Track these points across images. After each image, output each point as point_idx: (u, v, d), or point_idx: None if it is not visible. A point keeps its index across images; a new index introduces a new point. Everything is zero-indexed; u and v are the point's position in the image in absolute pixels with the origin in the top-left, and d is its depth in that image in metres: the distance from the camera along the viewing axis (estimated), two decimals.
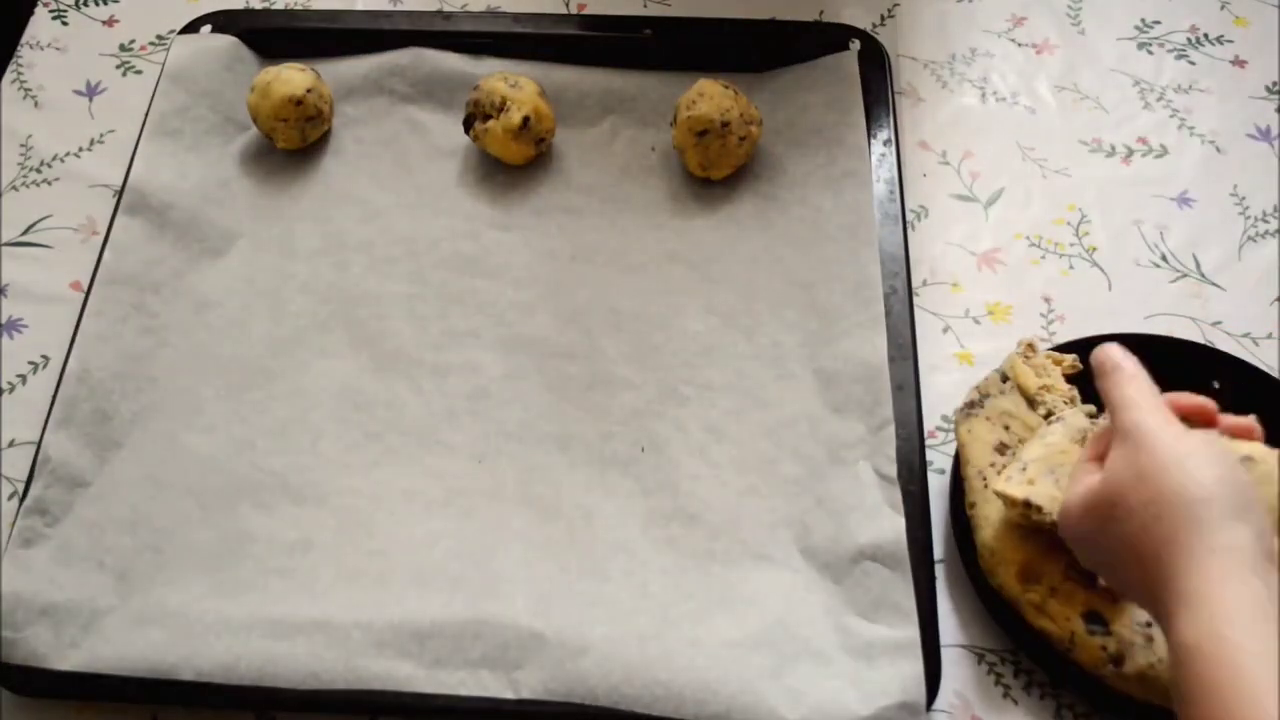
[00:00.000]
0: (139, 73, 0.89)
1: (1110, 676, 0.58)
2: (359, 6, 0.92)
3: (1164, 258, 0.77)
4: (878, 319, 0.71)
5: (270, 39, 0.86)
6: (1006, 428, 0.65)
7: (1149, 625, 0.59)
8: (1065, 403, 0.65)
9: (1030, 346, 0.68)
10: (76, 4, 0.93)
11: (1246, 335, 0.73)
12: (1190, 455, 0.46)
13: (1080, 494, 0.50)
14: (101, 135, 0.85)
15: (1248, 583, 0.41)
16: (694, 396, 0.71)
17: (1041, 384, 0.66)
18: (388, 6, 0.92)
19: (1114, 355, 0.53)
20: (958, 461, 0.67)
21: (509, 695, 0.60)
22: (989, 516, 0.63)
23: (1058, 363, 0.67)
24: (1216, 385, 0.68)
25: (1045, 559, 0.61)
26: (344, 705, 0.61)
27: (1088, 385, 0.65)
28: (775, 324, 0.73)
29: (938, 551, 0.65)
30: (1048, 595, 0.60)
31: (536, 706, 0.60)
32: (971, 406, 0.67)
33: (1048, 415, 0.65)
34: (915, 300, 0.74)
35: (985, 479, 0.64)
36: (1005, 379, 0.67)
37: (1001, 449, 0.65)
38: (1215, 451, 0.46)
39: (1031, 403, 0.66)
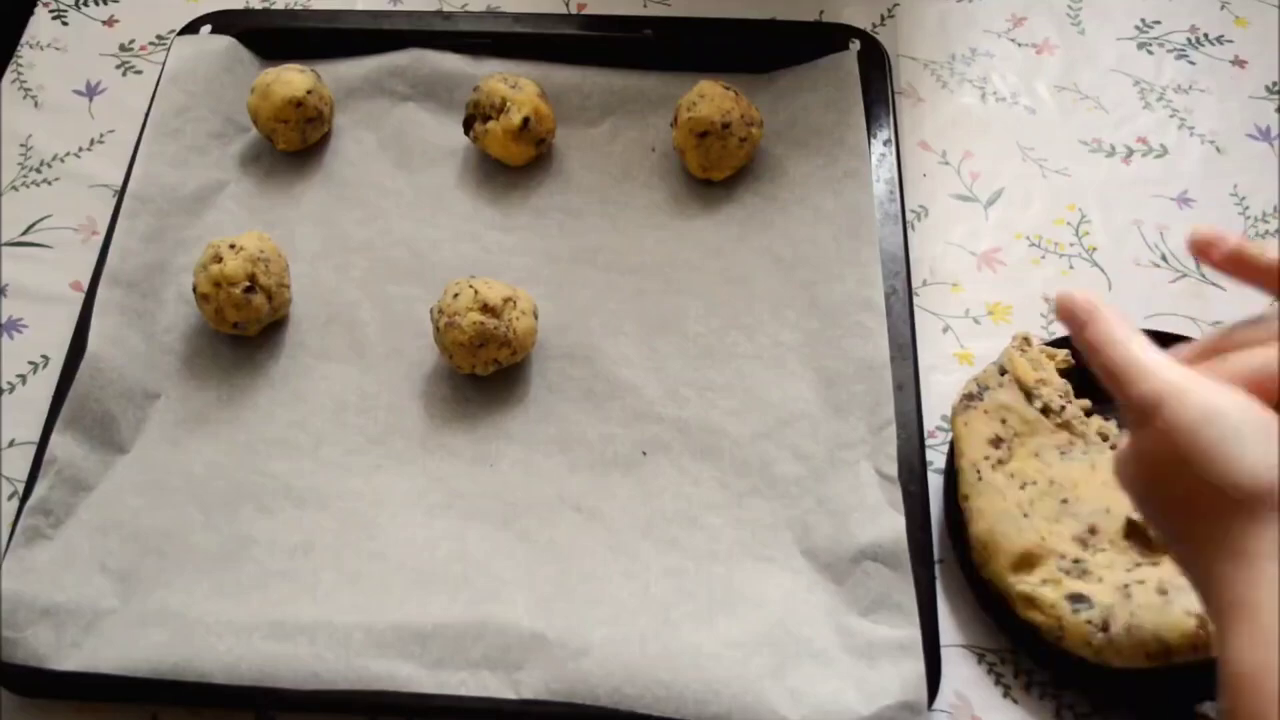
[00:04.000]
0: (139, 73, 0.89)
1: (1101, 648, 0.59)
2: (359, 6, 0.92)
3: (1164, 258, 0.77)
4: (879, 319, 0.71)
5: (270, 39, 0.86)
6: (1003, 421, 0.66)
7: (1126, 586, 0.59)
8: (1060, 396, 0.66)
9: (1026, 340, 0.68)
10: (76, 4, 0.93)
11: None
12: (1231, 431, 0.37)
13: (1126, 467, 0.42)
14: (101, 135, 0.85)
15: None
16: (694, 397, 0.71)
17: (1038, 377, 0.66)
18: (388, 6, 0.92)
19: (1077, 302, 0.43)
20: (952, 454, 0.67)
21: (510, 696, 0.60)
22: (982, 509, 0.63)
23: (1051, 358, 0.68)
24: None
25: (1039, 552, 0.61)
26: (345, 705, 0.61)
27: (1082, 381, 0.66)
28: (776, 324, 0.73)
29: (937, 552, 0.65)
30: (1038, 586, 0.60)
31: (538, 707, 0.60)
32: (970, 399, 0.67)
33: (1044, 409, 0.65)
34: (915, 300, 0.74)
35: (979, 471, 0.64)
36: (1003, 371, 0.67)
37: (996, 442, 0.65)
38: (1259, 420, 0.37)
39: (1029, 395, 0.66)
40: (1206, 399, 0.38)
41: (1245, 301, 0.74)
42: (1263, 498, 0.36)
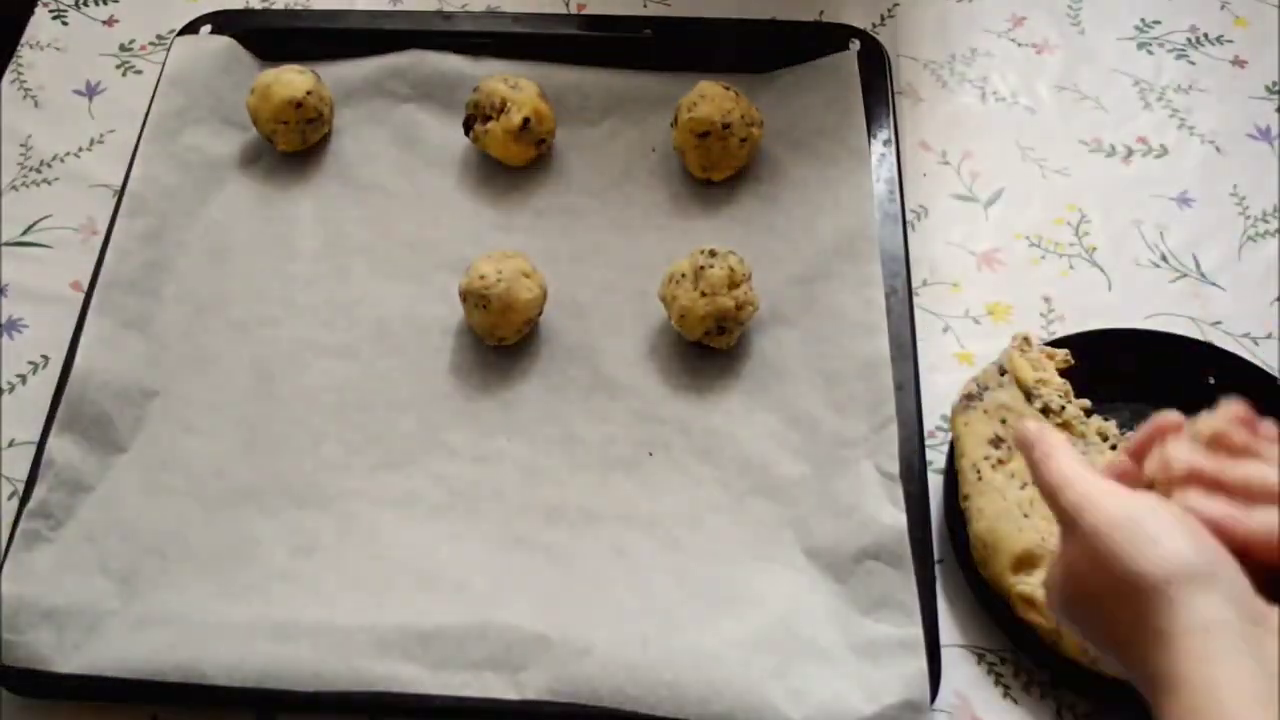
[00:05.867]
0: (139, 73, 0.89)
1: (1097, 656, 0.58)
2: (359, 6, 0.92)
3: (1164, 258, 0.77)
4: (879, 318, 0.71)
5: (270, 39, 0.86)
6: (1003, 421, 0.66)
7: None
8: (1060, 396, 0.66)
9: (1025, 340, 0.68)
10: (76, 4, 0.93)
11: (1246, 335, 0.74)
12: (1139, 529, 0.41)
13: (1052, 580, 0.45)
14: (101, 135, 0.85)
15: (1237, 662, 0.37)
16: (695, 397, 0.71)
17: (1038, 377, 0.66)
18: (388, 6, 0.92)
19: (1030, 431, 0.47)
20: (952, 454, 0.67)
21: (513, 696, 0.60)
22: (982, 509, 0.63)
23: (1050, 358, 0.68)
24: (1212, 380, 0.68)
25: (1039, 552, 0.61)
26: (346, 706, 0.61)
27: (1082, 380, 0.66)
28: (775, 324, 0.73)
29: (937, 551, 0.65)
30: (1037, 587, 0.60)
31: (540, 707, 0.60)
32: (970, 399, 0.68)
33: (1044, 410, 0.65)
34: (915, 300, 0.74)
35: (979, 471, 0.64)
36: (1003, 372, 0.68)
37: (996, 442, 0.65)
38: (1166, 517, 0.41)
39: (1029, 396, 0.66)
40: (1118, 503, 0.43)
41: (1244, 302, 0.75)
42: (1171, 581, 0.39)
